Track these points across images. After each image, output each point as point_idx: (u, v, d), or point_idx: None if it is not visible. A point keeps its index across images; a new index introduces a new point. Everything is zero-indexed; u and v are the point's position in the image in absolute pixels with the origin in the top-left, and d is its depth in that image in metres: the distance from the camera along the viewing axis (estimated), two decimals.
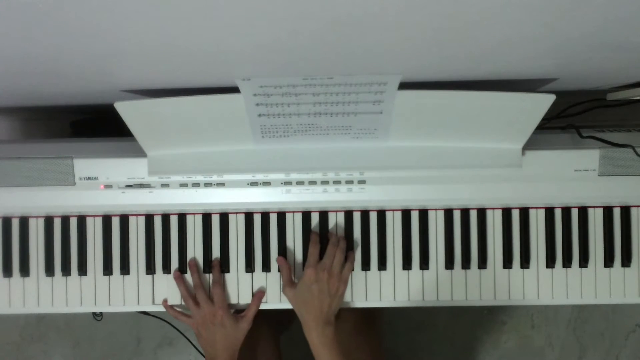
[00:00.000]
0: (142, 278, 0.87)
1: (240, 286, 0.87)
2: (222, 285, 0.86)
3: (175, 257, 0.87)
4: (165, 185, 0.82)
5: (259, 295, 0.86)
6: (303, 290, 0.81)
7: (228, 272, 0.87)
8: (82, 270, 0.87)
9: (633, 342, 1.48)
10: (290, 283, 0.84)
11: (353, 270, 0.86)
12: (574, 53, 0.57)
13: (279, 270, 0.86)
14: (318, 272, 0.81)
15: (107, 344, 1.49)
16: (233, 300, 0.87)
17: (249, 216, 0.87)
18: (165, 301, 0.86)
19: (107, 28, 0.43)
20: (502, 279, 0.87)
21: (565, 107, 0.91)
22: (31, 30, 0.42)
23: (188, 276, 0.86)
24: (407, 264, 0.86)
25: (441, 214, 0.87)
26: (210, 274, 0.86)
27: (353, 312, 0.93)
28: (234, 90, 0.67)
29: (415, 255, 0.87)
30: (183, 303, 0.86)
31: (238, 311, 0.87)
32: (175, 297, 0.86)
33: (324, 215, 0.87)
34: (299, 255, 0.87)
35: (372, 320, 1.02)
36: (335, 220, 0.87)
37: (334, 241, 0.84)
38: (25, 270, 0.87)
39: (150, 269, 0.87)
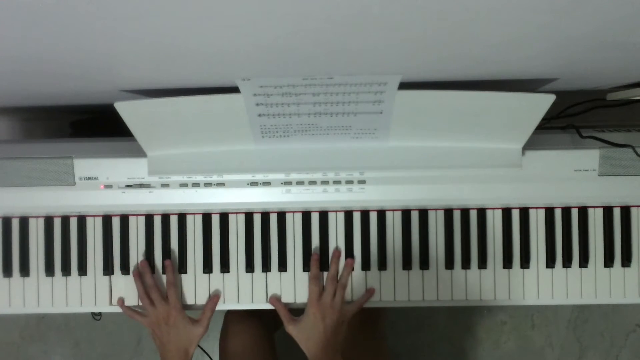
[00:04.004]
0: None
1: (240, 287, 0.87)
2: (177, 286, 0.85)
3: (175, 257, 0.87)
4: (165, 185, 0.82)
5: (214, 299, 0.85)
6: (308, 328, 0.81)
7: (228, 272, 0.87)
8: (82, 270, 0.87)
9: (633, 342, 1.48)
10: (291, 320, 0.83)
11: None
12: (574, 53, 0.57)
13: (279, 270, 0.87)
14: (322, 310, 0.81)
15: (107, 344, 1.49)
16: (233, 301, 0.87)
17: (249, 216, 0.87)
18: (120, 300, 0.86)
19: (107, 28, 0.43)
20: (502, 279, 0.87)
21: (565, 107, 0.91)
22: (31, 30, 0.42)
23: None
24: (407, 264, 0.86)
25: (441, 214, 0.87)
26: (210, 275, 0.86)
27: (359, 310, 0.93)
28: (234, 90, 0.67)
29: (415, 255, 0.87)
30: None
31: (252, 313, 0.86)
32: (187, 297, 0.86)
33: (324, 215, 0.87)
34: (298, 258, 0.87)
35: (377, 317, 1.02)
36: (335, 220, 0.87)
37: (332, 274, 0.84)
38: (25, 270, 0.87)
39: (150, 268, 0.87)
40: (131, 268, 0.87)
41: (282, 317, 0.84)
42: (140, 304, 0.85)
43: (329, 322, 0.81)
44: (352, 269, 0.86)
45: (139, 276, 0.85)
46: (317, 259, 0.85)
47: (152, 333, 0.84)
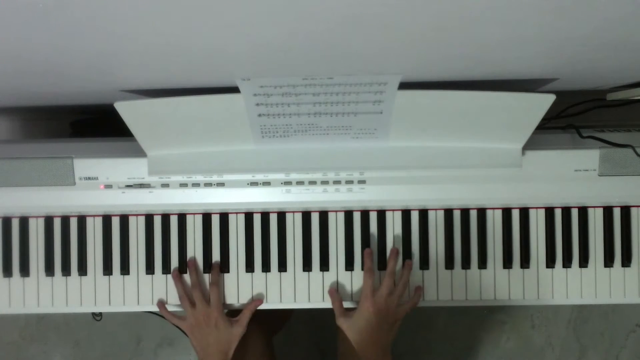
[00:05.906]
0: (142, 278, 0.87)
1: (240, 287, 0.87)
2: (220, 287, 0.85)
3: (175, 257, 0.87)
4: (165, 185, 0.82)
5: (255, 302, 0.85)
6: (360, 322, 0.80)
7: (228, 272, 0.87)
8: (82, 270, 0.87)
9: (633, 342, 1.48)
10: (343, 313, 0.83)
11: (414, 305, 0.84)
12: (574, 53, 0.57)
13: (279, 271, 0.87)
14: (376, 306, 0.80)
15: (107, 344, 1.49)
16: (233, 300, 0.87)
17: (249, 216, 0.87)
18: (160, 302, 0.86)
19: (107, 28, 0.43)
20: (502, 279, 0.87)
21: (565, 107, 0.91)
22: (31, 30, 0.42)
23: (186, 276, 0.86)
24: None
25: (441, 214, 0.87)
26: (209, 275, 0.86)
27: None
28: (234, 90, 0.67)
29: (416, 255, 0.87)
30: (178, 307, 0.86)
31: (231, 313, 0.86)
32: (174, 297, 0.86)
33: (324, 215, 0.87)
34: (298, 258, 0.87)
35: None
36: (335, 220, 0.87)
37: (391, 270, 0.83)
38: (25, 270, 0.87)
39: (150, 269, 0.87)
40: (131, 268, 0.87)
41: (335, 309, 0.83)
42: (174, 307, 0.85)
43: (382, 318, 0.80)
44: (411, 269, 0.85)
45: (179, 277, 0.85)
46: (371, 253, 0.85)
47: (190, 334, 0.83)
